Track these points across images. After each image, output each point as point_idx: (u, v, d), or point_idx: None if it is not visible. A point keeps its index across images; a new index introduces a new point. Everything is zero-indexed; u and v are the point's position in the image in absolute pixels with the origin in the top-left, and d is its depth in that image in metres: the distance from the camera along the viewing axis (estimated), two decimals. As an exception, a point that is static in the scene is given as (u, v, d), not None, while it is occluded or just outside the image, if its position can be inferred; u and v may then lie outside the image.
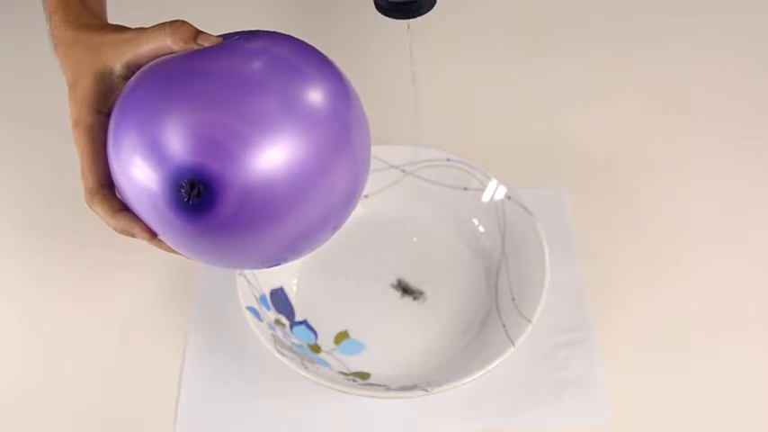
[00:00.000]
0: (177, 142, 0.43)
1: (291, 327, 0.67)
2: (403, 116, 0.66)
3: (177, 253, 0.49)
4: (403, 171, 0.73)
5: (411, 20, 0.54)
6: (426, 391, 0.59)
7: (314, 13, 0.93)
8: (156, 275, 0.71)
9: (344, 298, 0.69)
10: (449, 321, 0.68)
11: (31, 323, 0.70)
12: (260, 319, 0.63)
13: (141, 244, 0.49)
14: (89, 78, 0.48)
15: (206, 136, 0.43)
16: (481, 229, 0.72)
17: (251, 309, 0.63)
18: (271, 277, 0.68)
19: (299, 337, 0.66)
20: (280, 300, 0.68)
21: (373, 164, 0.72)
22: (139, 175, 0.44)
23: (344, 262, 0.71)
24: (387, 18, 0.54)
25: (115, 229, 0.48)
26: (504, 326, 0.64)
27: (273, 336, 0.63)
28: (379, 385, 0.62)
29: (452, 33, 0.90)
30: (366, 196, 0.73)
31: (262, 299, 0.66)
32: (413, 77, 0.63)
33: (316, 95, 0.45)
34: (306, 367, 0.60)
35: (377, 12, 0.54)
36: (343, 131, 0.46)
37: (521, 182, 0.73)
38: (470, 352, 0.64)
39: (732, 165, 0.77)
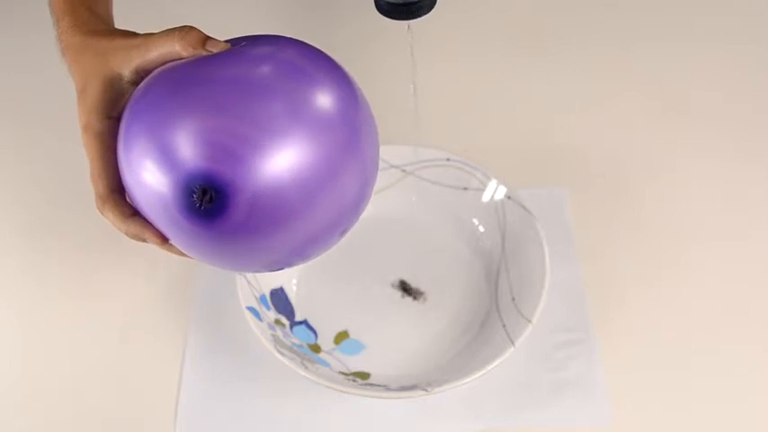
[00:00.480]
0: (188, 147, 0.43)
1: (291, 327, 0.67)
2: (403, 116, 0.66)
3: (188, 256, 0.49)
4: (403, 171, 0.73)
5: (411, 20, 0.54)
6: (426, 391, 0.59)
7: (313, 12, 0.93)
8: (156, 275, 0.71)
9: (344, 298, 0.69)
10: (449, 321, 0.68)
11: (31, 323, 0.70)
12: (260, 319, 0.63)
13: (141, 245, 0.49)
14: (98, 84, 0.49)
15: (217, 141, 0.43)
16: (481, 229, 0.72)
17: (251, 309, 0.63)
18: (271, 277, 0.68)
19: (299, 337, 0.66)
20: (280, 300, 0.68)
21: (373, 164, 0.73)
22: (150, 180, 0.44)
23: (344, 262, 0.71)
24: (387, 18, 0.54)
25: (126, 233, 0.48)
26: (504, 326, 0.64)
27: (273, 336, 0.63)
28: (379, 385, 0.62)
29: (452, 33, 0.90)
30: (366, 196, 0.73)
31: (262, 299, 0.66)
32: (413, 77, 0.63)
33: (325, 100, 0.46)
34: (306, 367, 0.60)
35: (376, 12, 0.54)
36: (352, 135, 0.47)
37: (521, 182, 0.73)
38: (470, 352, 0.64)
39: (732, 165, 0.77)
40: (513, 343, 0.61)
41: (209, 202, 0.43)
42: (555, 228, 0.71)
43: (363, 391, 0.60)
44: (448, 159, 0.72)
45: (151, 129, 0.44)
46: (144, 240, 0.48)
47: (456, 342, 0.66)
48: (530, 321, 0.62)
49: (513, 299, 0.65)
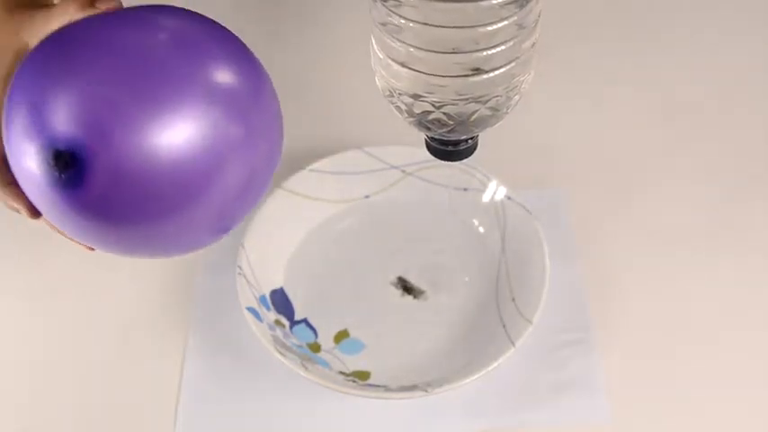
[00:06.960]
0: (54, 113, 0.41)
1: (291, 327, 0.67)
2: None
3: (61, 233, 0.47)
4: (403, 171, 0.73)
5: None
6: (426, 391, 0.59)
7: (312, 8, 0.93)
8: (156, 275, 0.71)
9: (344, 297, 0.69)
10: (449, 321, 0.68)
11: (31, 323, 0.70)
12: (260, 320, 0.63)
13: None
14: (9, 58, 0.48)
15: (83, 107, 0.40)
16: (481, 229, 0.72)
17: (251, 309, 0.63)
18: (271, 277, 0.68)
19: (298, 336, 0.66)
20: (280, 300, 0.68)
21: (373, 164, 0.73)
22: (21, 147, 0.42)
23: (345, 261, 0.71)
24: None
25: (4, 202, 0.48)
26: (504, 326, 0.64)
27: (273, 336, 0.63)
28: (379, 385, 0.62)
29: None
30: (366, 196, 0.73)
31: (262, 299, 0.66)
32: None
33: (217, 77, 0.42)
34: (306, 368, 0.60)
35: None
36: (244, 122, 0.43)
37: (521, 182, 0.73)
38: (470, 352, 0.64)
39: (733, 164, 0.77)
40: (513, 343, 0.61)
41: (65, 169, 0.41)
42: (555, 228, 0.71)
43: (363, 391, 0.60)
44: (448, 159, 0.72)
45: (27, 94, 0.42)
46: (18, 211, 0.47)
47: (456, 342, 0.66)
48: (530, 321, 0.62)
49: (513, 299, 0.65)
